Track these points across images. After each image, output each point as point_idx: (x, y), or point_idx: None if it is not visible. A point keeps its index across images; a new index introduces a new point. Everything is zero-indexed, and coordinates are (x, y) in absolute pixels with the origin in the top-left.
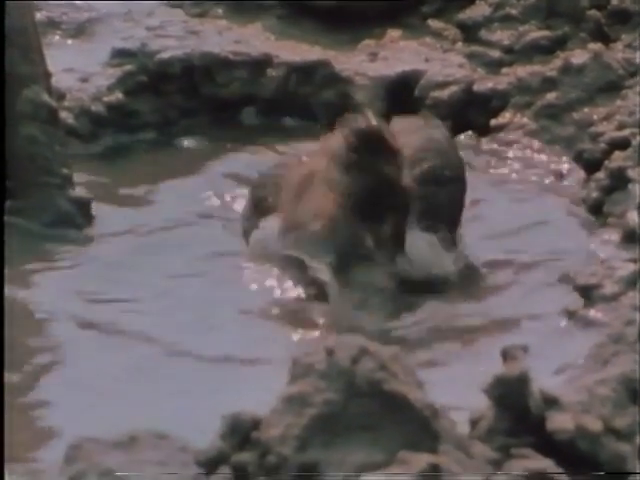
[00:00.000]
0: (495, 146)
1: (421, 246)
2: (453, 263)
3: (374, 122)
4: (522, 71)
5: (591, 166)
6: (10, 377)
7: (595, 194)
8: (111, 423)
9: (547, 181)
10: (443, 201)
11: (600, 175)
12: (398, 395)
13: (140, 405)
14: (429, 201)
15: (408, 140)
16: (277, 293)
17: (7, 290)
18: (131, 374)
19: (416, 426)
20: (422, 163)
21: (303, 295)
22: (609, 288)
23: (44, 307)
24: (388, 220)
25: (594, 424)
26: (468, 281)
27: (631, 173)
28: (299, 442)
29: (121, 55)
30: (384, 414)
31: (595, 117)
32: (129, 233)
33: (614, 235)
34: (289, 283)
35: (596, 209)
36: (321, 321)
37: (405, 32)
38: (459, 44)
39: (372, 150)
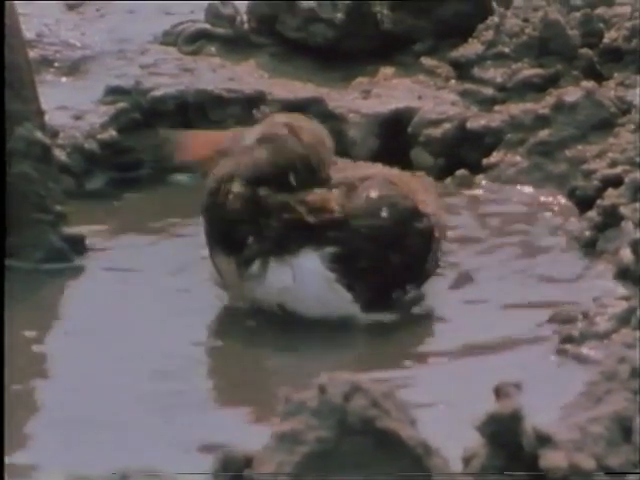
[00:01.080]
0: (488, 183)
1: (307, 278)
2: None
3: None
4: (515, 109)
5: (584, 203)
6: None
7: (588, 231)
8: (102, 460)
9: (540, 218)
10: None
11: (593, 212)
12: (391, 432)
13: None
14: (353, 245)
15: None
16: None
17: None
18: (119, 407)
19: (409, 463)
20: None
21: None
22: (602, 325)
23: (31, 345)
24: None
25: (587, 462)
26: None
27: (624, 210)
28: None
29: (115, 93)
30: (377, 452)
31: (588, 154)
32: (122, 271)
33: (607, 272)
34: None
35: (589, 246)
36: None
37: (398, 70)
38: (452, 82)
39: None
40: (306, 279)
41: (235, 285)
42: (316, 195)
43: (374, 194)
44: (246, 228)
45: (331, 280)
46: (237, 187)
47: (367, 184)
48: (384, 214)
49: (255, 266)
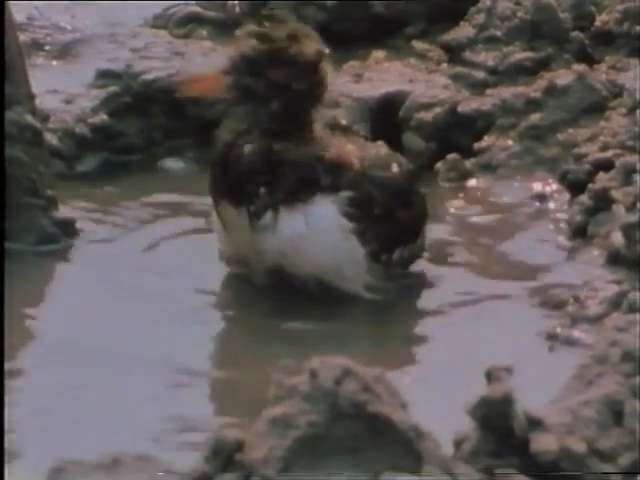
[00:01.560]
0: (479, 168)
1: (322, 224)
2: (372, 274)
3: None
4: (506, 92)
5: (575, 187)
6: None
7: (579, 215)
8: (93, 444)
9: (531, 202)
10: (383, 198)
11: (584, 196)
12: (382, 416)
13: (123, 425)
14: (368, 192)
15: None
16: None
17: None
18: (113, 392)
19: (400, 447)
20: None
21: None
22: (593, 309)
23: (25, 328)
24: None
25: (578, 446)
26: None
27: (615, 194)
28: (283, 464)
29: (106, 76)
30: (368, 436)
31: (579, 138)
32: (112, 255)
33: (598, 256)
34: None
35: (580, 230)
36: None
37: (390, 53)
38: (444, 65)
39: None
40: (320, 225)
41: (244, 238)
42: (334, 148)
43: (384, 151)
44: (260, 179)
45: (345, 227)
46: (252, 140)
47: (375, 144)
48: (395, 169)
49: (267, 216)
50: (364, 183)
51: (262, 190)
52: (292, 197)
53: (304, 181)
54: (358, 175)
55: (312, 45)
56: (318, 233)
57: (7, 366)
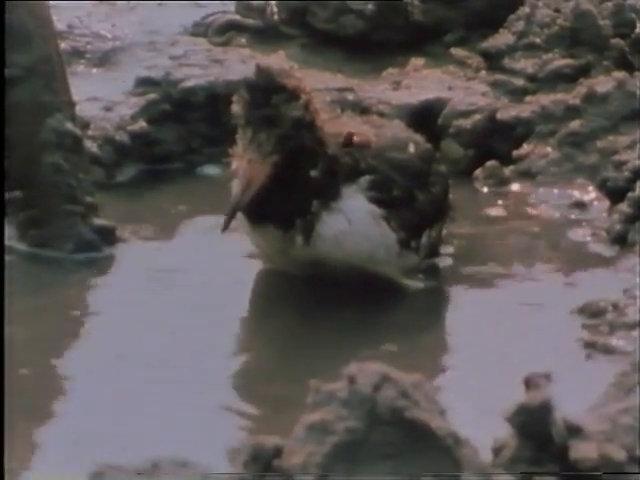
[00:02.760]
0: (518, 175)
1: (358, 216)
2: (405, 265)
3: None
4: (546, 99)
5: (615, 195)
6: (30, 400)
7: (619, 223)
8: (133, 449)
9: (571, 209)
10: (404, 183)
11: (624, 204)
12: (420, 423)
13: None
14: (386, 174)
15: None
16: None
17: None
18: (152, 399)
19: (438, 454)
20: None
21: None
22: (632, 317)
23: (61, 336)
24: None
25: (618, 453)
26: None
27: None
28: (321, 470)
29: (145, 84)
30: (406, 442)
31: (619, 145)
32: (151, 262)
33: (637, 264)
34: None
35: (620, 238)
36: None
37: (428, 60)
38: (482, 72)
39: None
40: (356, 217)
41: (288, 253)
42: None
43: (400, 133)
44: (289, 197)
45: (375, 214)
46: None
47: (390, 124)
48: (411, 150)
49: (310, 224)
50: (382, 166)
51: (315, 204)
52: (325, 197)
53: (332, 175)
54: (376, 157)
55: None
56: (356, 225)
57: (57, 372)
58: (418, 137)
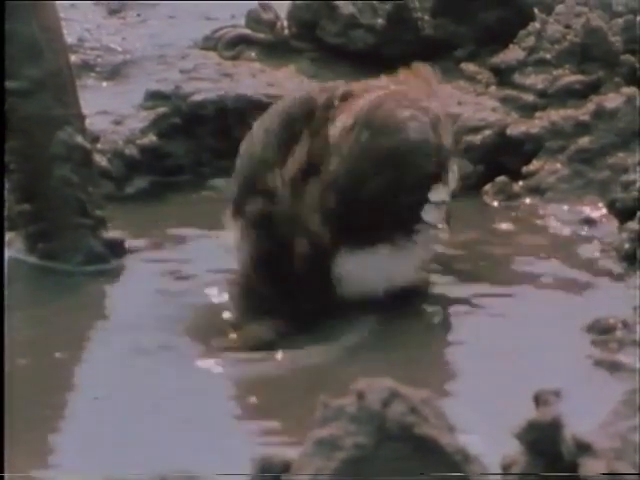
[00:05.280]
0: (527, 191)
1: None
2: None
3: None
4: (556, 115)
5: (624, 214)
6: (38, 412)
7: (628, 241)
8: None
9: (580, 226)
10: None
11: (634, 223)
12: (429, 439)
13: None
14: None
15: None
16: None
17: (33, 330)
18: (165, 409)
19: (447, 470)
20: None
21: None
22: None
23: (70, 348)
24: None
25: (628, 471)
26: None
27: None
28: None
29: (155, 97)
30: (415, 458)
31: (629, 162)
32: (160, 275)
33: None
34: None
35: (629, 256)
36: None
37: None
38: (492, 88)
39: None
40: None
41: None
42: None
43: None
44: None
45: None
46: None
47: None
48: None
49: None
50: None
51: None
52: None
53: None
54: None
55: None
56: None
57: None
58: None
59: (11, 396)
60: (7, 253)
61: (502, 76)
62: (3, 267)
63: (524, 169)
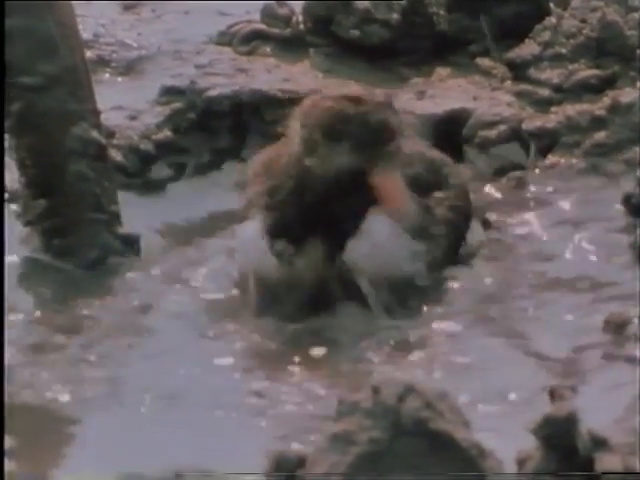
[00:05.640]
0: (543, 185)
1: (383, 236)
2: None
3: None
4: (571, 110)
5: (639, 210)
6: (54, 408)
7: None
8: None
9: (595, 221)
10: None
11: None
12: (444, 434)
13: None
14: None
15: None
16: None
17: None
18: (178, 408)
19: (462, 465)
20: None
21: None
22: None
23: (90, 347)
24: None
25: None
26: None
27: None
28: None
29: (170, 93)
30: (430, 453)
31: None
32: (175, 270)
33: None
34: None
35: None
36: None
37: (453, 70)
38: (508, 82)
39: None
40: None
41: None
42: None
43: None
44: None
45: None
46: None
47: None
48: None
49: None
50: None
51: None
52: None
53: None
54: None
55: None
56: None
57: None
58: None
59: None
60: (23, 252)
61: (517, 71)
62: (3, 267)
63: (540, 162)
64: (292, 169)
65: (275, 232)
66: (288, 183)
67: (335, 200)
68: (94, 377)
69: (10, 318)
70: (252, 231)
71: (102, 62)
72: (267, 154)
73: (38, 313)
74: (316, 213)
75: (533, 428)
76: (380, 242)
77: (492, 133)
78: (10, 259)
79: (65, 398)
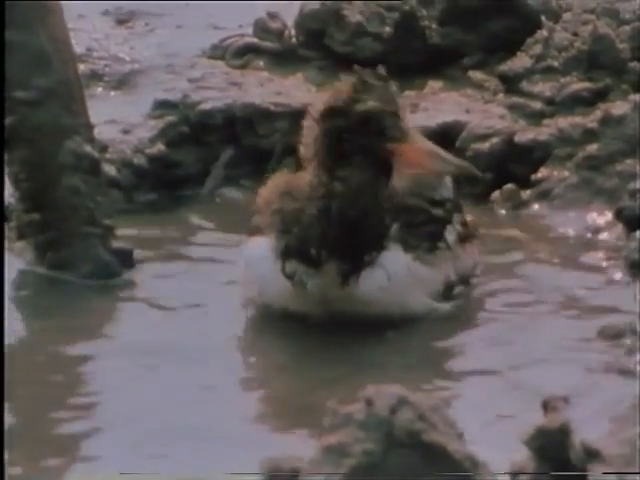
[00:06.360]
0: (535, 198)
1: (397, 269)
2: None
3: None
4: (563, 122)
5: (631, 222)
6: (53, 428)
7: (634, 250)
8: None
9: (587, 235)
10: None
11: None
12: (437, 446)
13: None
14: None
15: None
16: None
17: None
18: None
19: (455, 477)
20: None
21: None
22: None
23: (83, 359)
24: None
25: (637, 477)
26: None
27: None
28: None
29: (163, 106)
30: (423, 465)
31: (637, 169)
32: (169, 285)
33: None
34: None
35: (636, 264)
36: None
37: (446, 83)
38: (500, 95)
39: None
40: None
41: (325, 297)
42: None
43: None
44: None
45: (412, 266)
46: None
47: None
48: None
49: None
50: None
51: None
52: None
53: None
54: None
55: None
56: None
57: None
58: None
59: None
60: (17, 264)
61: (510, 84)
62: (3, 269)
63: (532, 176)
64: (316, 192)
65: (291, 253)
66: (311, 206)
67: (356, 226)
68: None
69: None
70: (262, 251)
71: (95, 76)
72: (282, 178)
73: None
74: (336, 237)
75: (526, 439)
76: (395, 275)
77: (485, 146)
78: None
79: None
